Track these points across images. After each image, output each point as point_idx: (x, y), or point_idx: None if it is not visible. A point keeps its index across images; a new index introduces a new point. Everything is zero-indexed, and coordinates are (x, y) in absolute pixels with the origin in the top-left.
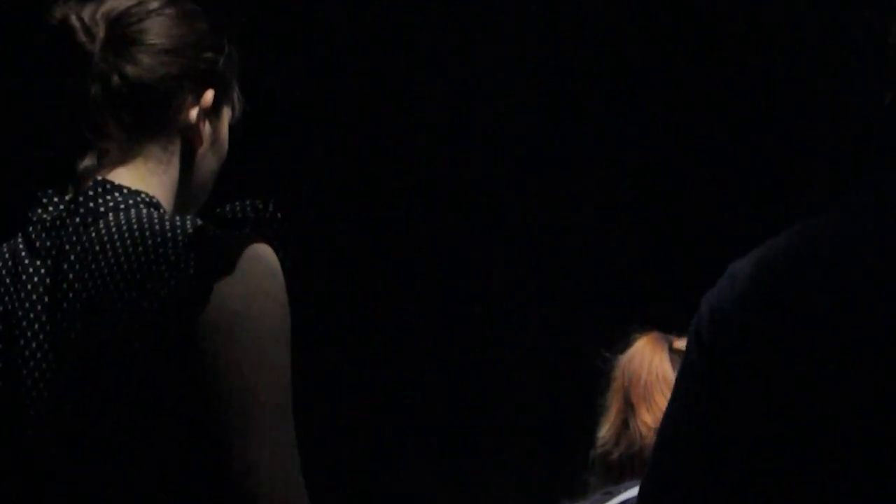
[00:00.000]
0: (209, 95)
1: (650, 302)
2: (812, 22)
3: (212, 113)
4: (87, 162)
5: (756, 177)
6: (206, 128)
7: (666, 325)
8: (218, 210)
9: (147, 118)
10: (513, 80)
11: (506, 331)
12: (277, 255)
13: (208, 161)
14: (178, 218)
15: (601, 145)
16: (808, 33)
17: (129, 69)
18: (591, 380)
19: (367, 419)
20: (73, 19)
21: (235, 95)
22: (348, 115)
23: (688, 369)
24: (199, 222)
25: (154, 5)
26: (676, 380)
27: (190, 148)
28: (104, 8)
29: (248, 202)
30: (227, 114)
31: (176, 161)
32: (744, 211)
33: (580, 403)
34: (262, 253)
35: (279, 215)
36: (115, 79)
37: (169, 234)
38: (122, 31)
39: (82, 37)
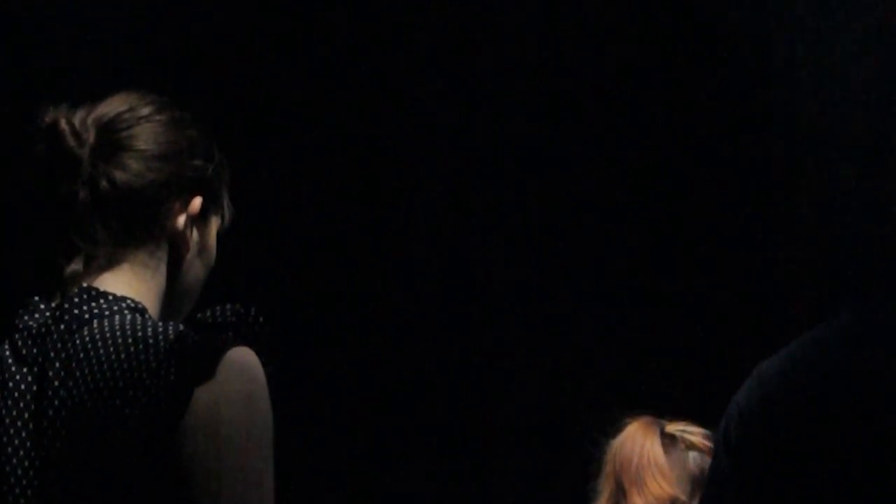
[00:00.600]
0: (197, 202)
1: (650, 302)
2: (812, 23)
3: (199, 220)
4: (74, 267)
5: (756, 177)
6: (194, 235)
7: (665, 326)
8: (199, 315)
9: (134, 224)
10: (513, 80)
11: (506, 331)
12: (260, 358)
13: (195, 268)
14: (160, 324)
15: (601, 145)
16: (808, 34)
17: (118, 175)
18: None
19: (367, 419)
20: (63, 123)
21: (225, 202)
22: (348, 115)
23: (716, 470)
24: (181, 328)
25: (145, 111)
26: (707, 480)
27: (177, 254)
28: (95, 113)
29: (228, 307)
30: (215, 221)
31: (163, 267)
32: (744, 211)
33: (580, 403)
34: (244, 358)
35: (261, 319)
36: (104, 184)
37: (151, 341)
38: (112, 136)
39: (71, 141)
